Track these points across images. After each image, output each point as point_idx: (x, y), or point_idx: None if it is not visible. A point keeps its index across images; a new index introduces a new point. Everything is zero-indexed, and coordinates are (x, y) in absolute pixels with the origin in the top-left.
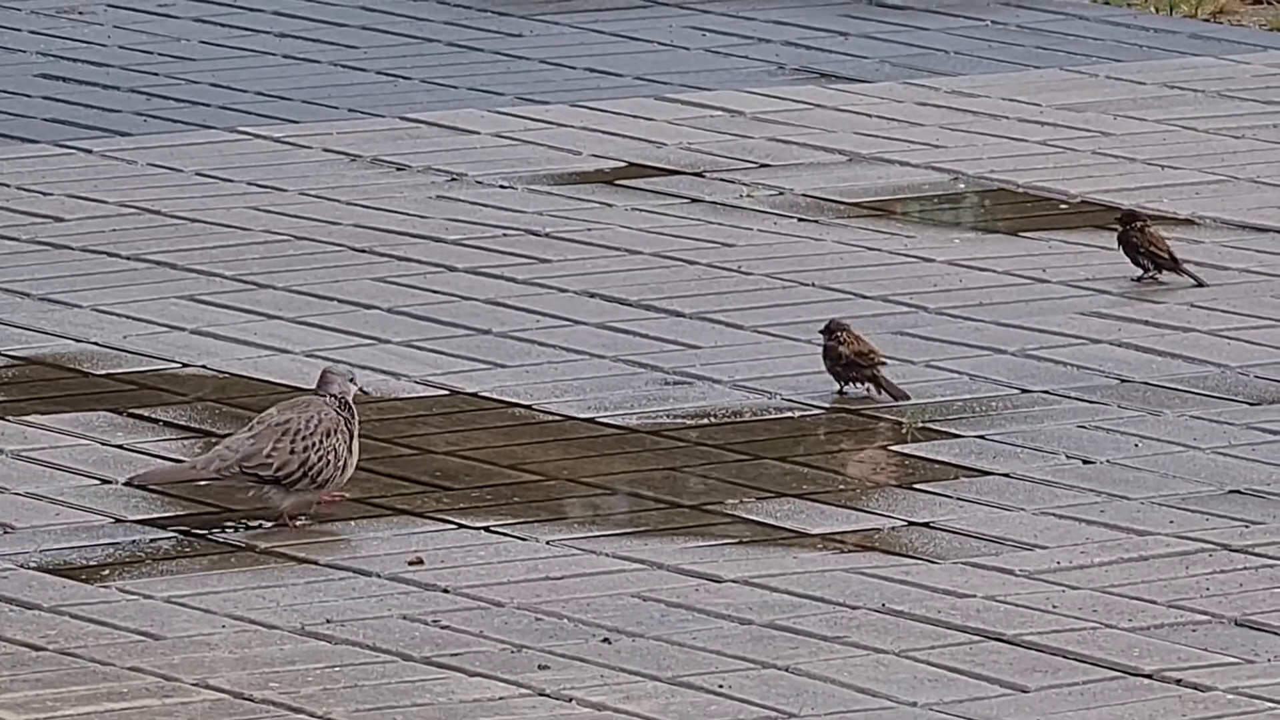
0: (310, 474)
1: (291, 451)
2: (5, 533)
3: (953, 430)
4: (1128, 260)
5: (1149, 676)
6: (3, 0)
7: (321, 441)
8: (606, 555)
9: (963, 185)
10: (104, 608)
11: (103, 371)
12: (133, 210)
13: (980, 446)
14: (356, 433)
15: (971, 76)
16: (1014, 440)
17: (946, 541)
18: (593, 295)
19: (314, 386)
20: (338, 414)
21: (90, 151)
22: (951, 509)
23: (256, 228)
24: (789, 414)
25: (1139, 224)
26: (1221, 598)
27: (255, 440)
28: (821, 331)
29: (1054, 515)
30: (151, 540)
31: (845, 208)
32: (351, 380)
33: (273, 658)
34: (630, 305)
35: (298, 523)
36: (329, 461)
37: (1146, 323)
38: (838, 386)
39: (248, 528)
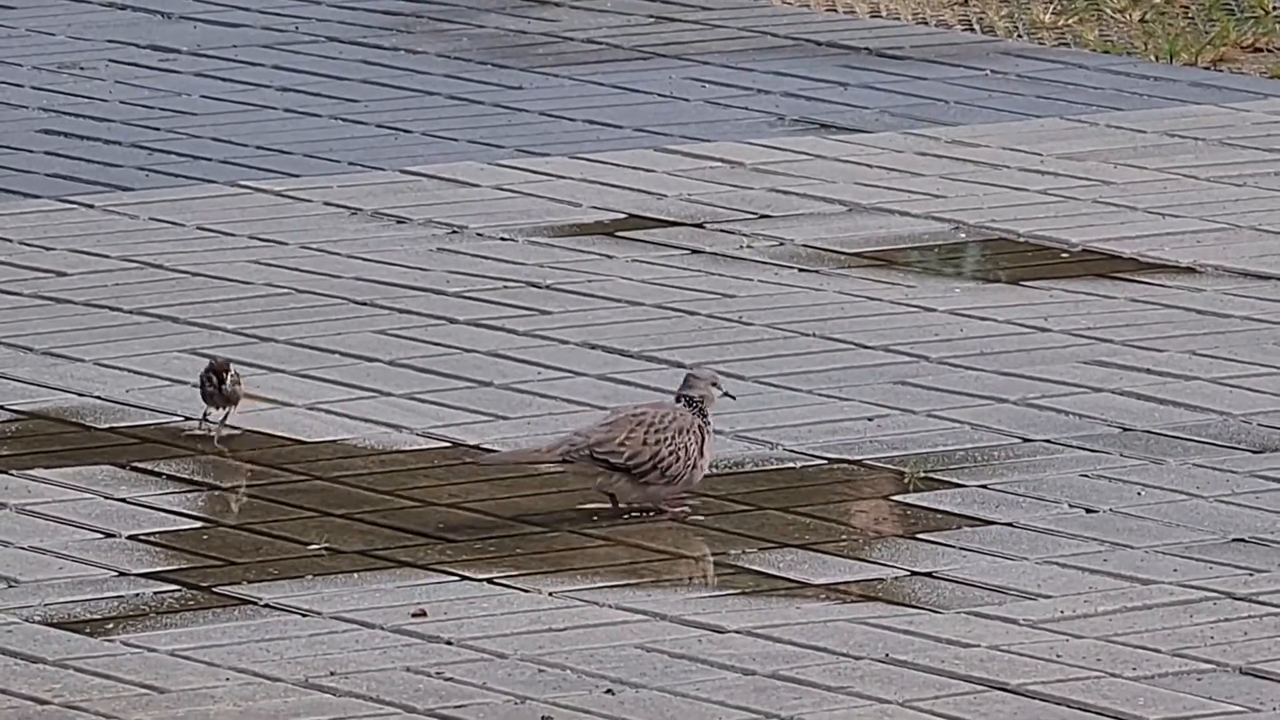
0: (660, 467)
1: (644, 443)
2: (9, 586)
3: (955, 480)
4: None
5: None
6: (4, 56)
7: (675, 437)
8: (609, 606)
9: (964, 235)
10: (108, 661)
11: (105, 425)
12: (135, 265)
13: (983, 496)
14: (710, 439)
15: (972, 126)
16: (1016, 489)
17: (950, 591)
18: (594, 346)
19: (677, 390)
20: (694, 416)
21: (92, 206)
22: (954, 559)
23: (258, 281)
24: (791, 464)
25: None
26: (1226, 646)
27: (610, 429)
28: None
29: (1057, 564)
30: (155, 593)
31: (846, 258)
32: (715, 384)
33: (276, 710)
34: (631, 356)
35: (666, 517)
36: (679, 458)
37: (1148, 371)
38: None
39: (250, 581)
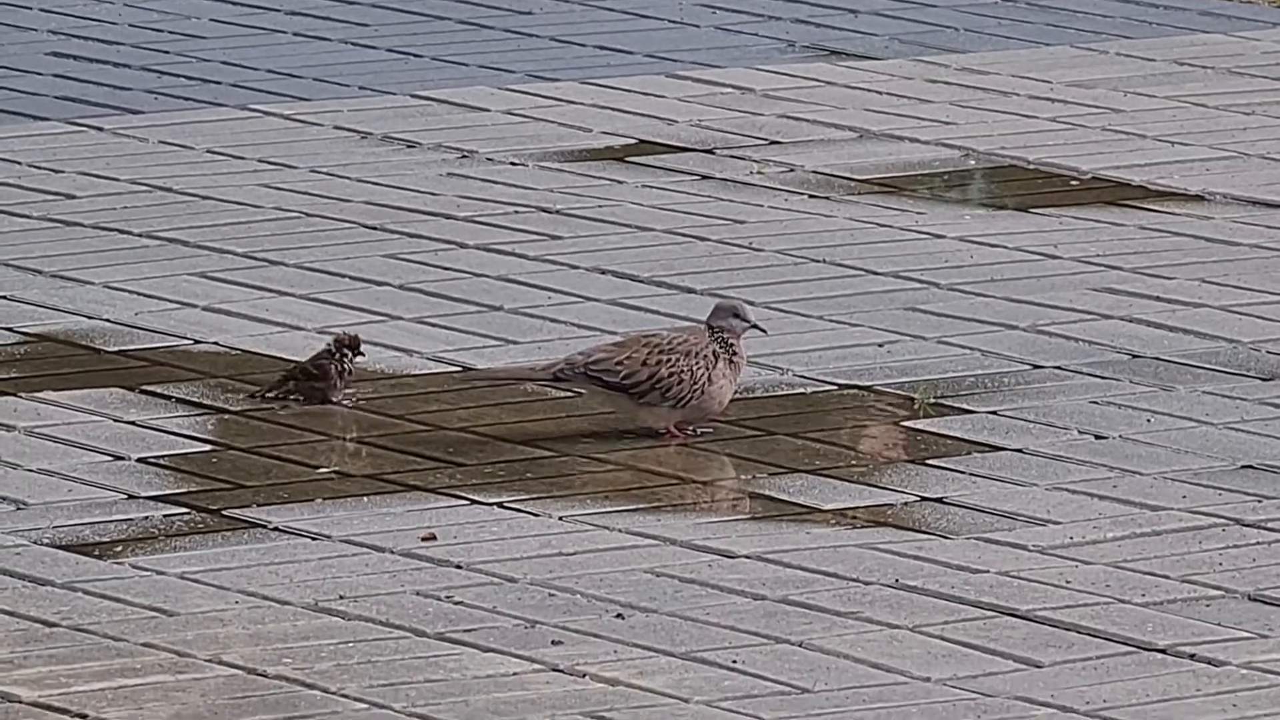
0: (659, 388)
1: (644, 363)
2: (18, 509)
3: (965, 406)
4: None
5: (1163, 651)
6: None
7: (679, 360)
8: (619, 531)
9: (973, 162)
10: (117, 584)
11: (115, 348)
12: (144, 188)
13: (992, 422)
14: (729, 367)
15: (981, 53)
16: (1026, 416)
17: (959, 517)
18: (604, 272)
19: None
20: (711, 341)
21: (101, 129)
22: (964, 485)
23: (267, 205)
24: (801, 390)
25: None
26: (1235, 572)
27: (615, 349)
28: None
29: (1066, 490)
30: (164, 516)
31: (856, 184)
32: (736, 315)
33: (286, 634)
34: (641, 282)
35: (674, 443)
36: (682, 380)
37: (1158, 298)
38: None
39: (259, 505)
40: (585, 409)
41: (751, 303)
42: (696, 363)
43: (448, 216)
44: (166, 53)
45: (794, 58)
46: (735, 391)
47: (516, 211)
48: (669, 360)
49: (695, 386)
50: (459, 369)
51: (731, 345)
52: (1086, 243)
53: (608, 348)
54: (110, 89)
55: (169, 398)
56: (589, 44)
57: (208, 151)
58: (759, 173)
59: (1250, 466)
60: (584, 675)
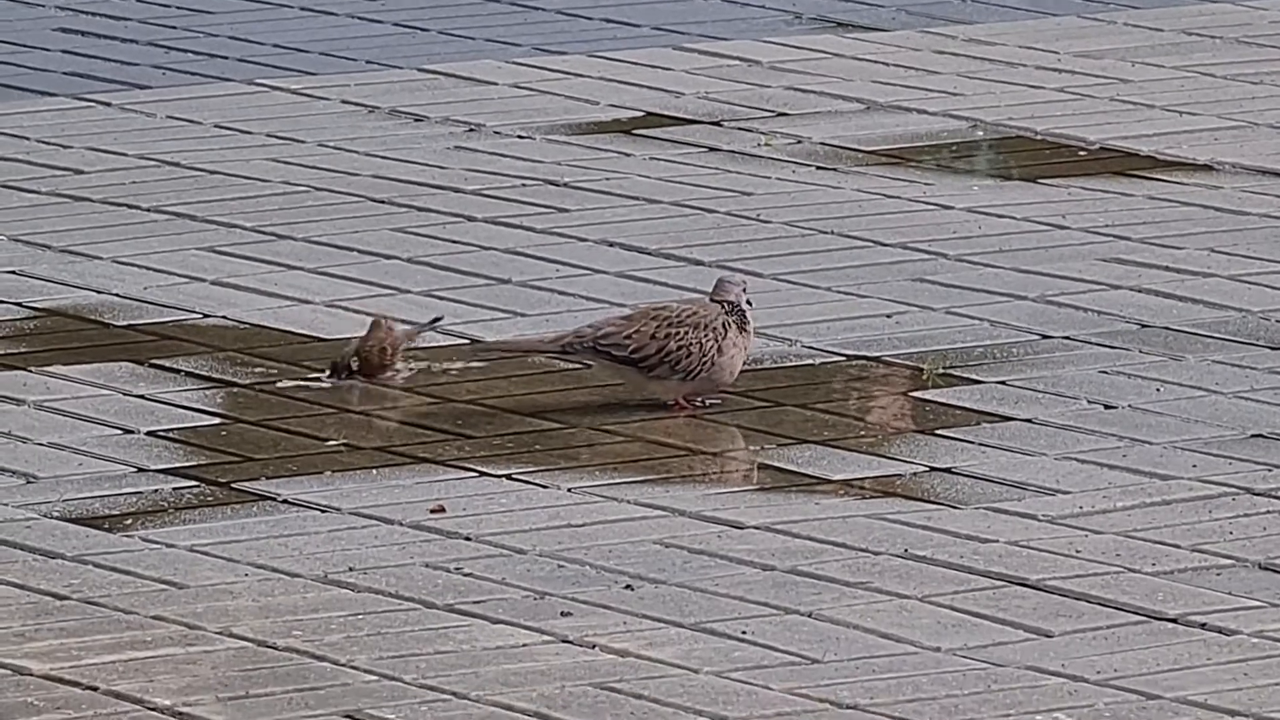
0: (668, 361)
1: (653, 336)
2: (28, 482)
3: (973, 376)
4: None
5: (1173, 621)
6: None
7: (688, 333)
8: (628, 502)
9: (981, 133)
10: (127, 557)
11: (124, 323)
12: (152, 162)
13: (1001, 392)
14: (740, 338)
15: (989, 24)
16: (1035, 386)
17: (968, 487)
18: (612, 244)
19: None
20: (721, 314)
21: (109, 104)
22: (973, 454)
23: (275, 179)
24: (809, 361)
25: None
26: (1245, 541)
27: (624, 323)
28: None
29: (1076, 460)
30: (174, 489)
31: (863, 156)
32: (744, 289)
33: (295, 606)
34: (649, 254)
35: (683, 414)
36: (691, 353)
37: (1167, 268)
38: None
39: (268, 477)
40: (594, 381)
41: (760, 274)
42: (705, 335)
43: (455, 190)
44: (174, 28)
45: (801, 29)
46: (744, 362)
47: (524, 184)
48: (678, 334)
49: (705, 359)
50: (467, 342)
51: (743, 312)
52: (1095, 213)
53: (616, 321)
54: (118, 64)
55: (178, 371)
56: (595, 17)
57: (215, 126)
58: (766, 145)
59: (1260, 435)
60: (593, 646)
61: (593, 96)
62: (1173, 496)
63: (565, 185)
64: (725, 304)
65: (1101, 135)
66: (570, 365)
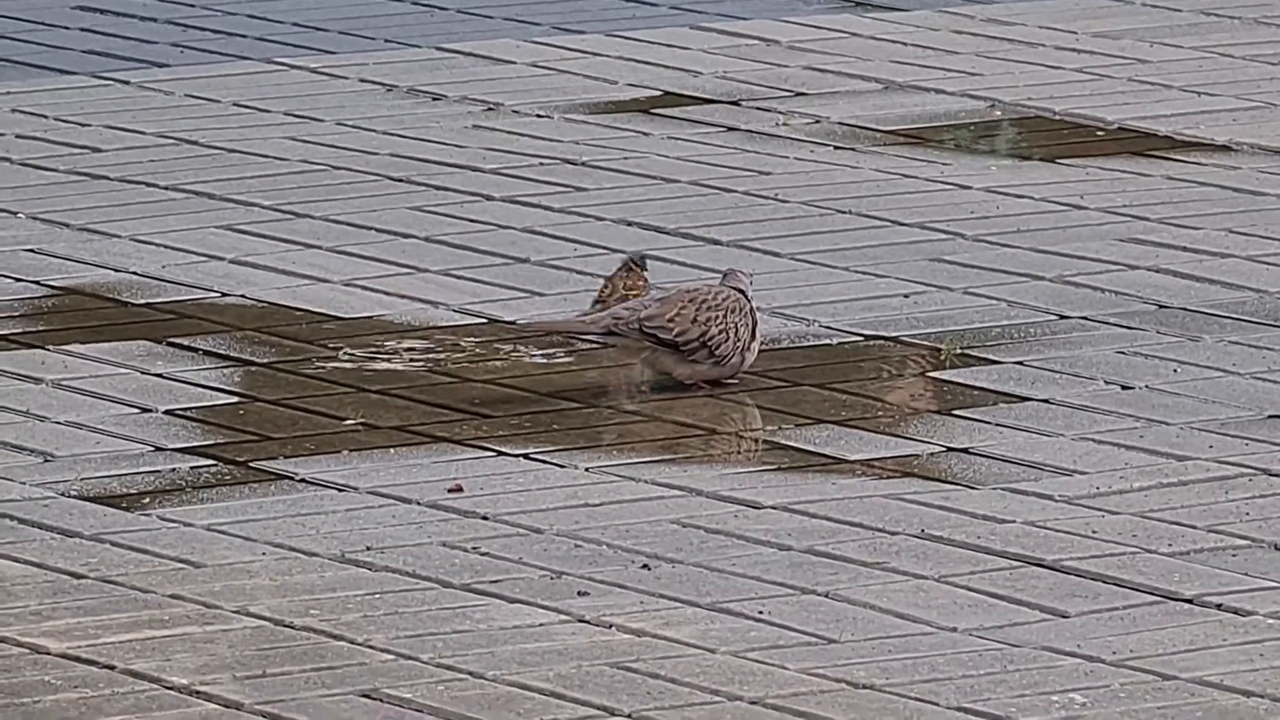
0: (709, 346)
1: (694, 320)
2: (46, 461)
3: (991, 357)
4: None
5: (1189, 601)
6: None
7: (725, 316)
8: (645, 482)
9: (999, 112)
10: (144, 535)
11: (142, 301)
12: (170, 141)
13: (1019, 373)
14: (759, 325)
15: (1007, 4)
16: (1052, 366)
17: (985, 467)
18: (629, 223)
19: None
20: (744, 298)
21: (128, 83)
22: (990, 435)
23: (294, 158)
24: (827, 341)
25: None
26: (1261, 522)
27: (661, 304)
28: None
29: (1093, 440)
30: (192, 468)
31: (881, 135)
32: (751, 282)
33: (313, 585)
34: (667, 233)
35: (701, 392)
36: (729, 338)
37: (1184, 248)
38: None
39: (286, 456)
40: (611, 361)
41: (777, 254)
42: (742, 320)
43: (474, 169)
44: (192, 6)
45: (819, 9)
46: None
47: (542, 163)
48: (717, 318)
49: (739, 344)
50: (485, 320)
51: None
52: (1113, 193)
53: (654, 303)
54: (136, 43)
55: (196, 350)
56: None
57: (234, 105)
58: (785, 124)
59: (1277, 416)
60: (610, 626)
61: (611, 76)
62: (1189, 477)
63: (583, 164)
64: (738, 288)
65: (1120, 115)
66: (587, 345)
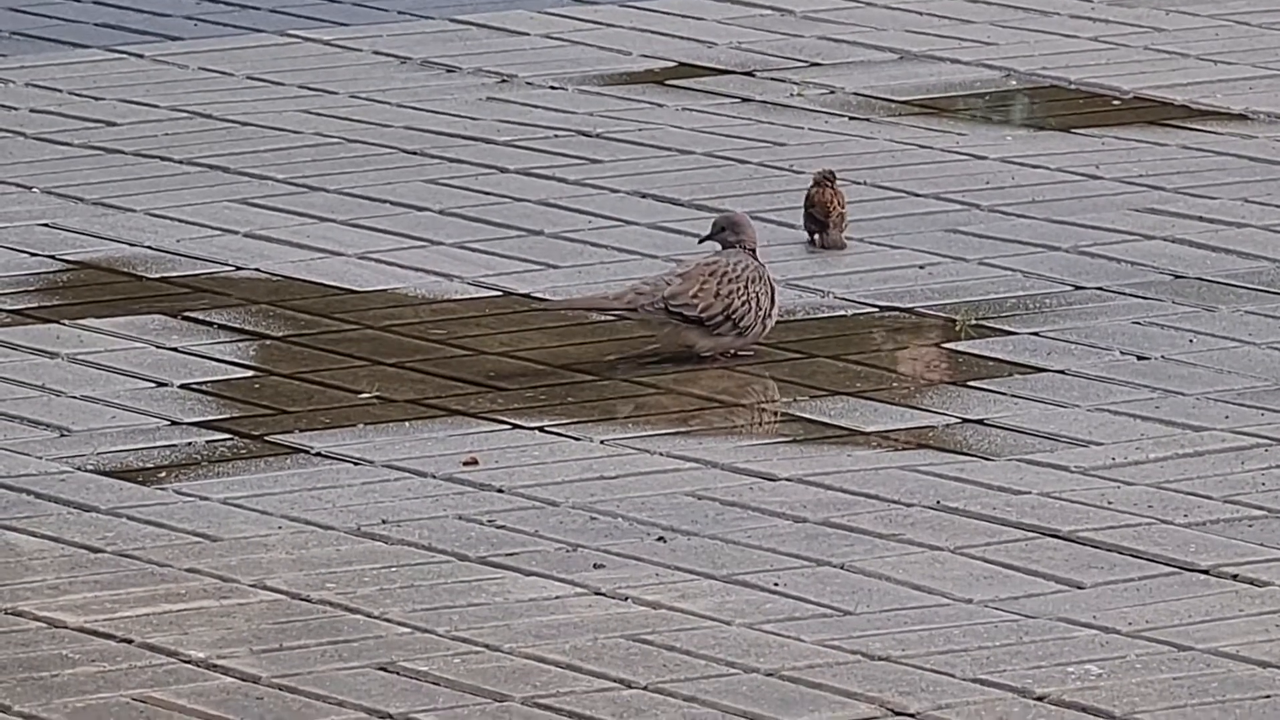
0: (733, 318)
1: (716, 294)
2: (62, 435)
3: (1006, 328)
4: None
5: (1205, 572)
6: None
7: (747, 287)
8: (660, 454)
9: (1014, 82)
10: (161, 509)
11: (156, 275)
12: (184, 114)
13: (1034, 343)
14: (777, 289)
15: None
16: (1068, 337)
17: (1001, 439)
18: (644, 195)
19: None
20: (759, 264)
21: (141, 56)
22: (1005, 406)
23: (308, 131)
24: (842, 312)
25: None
26: (1277, 493)
27: (683, 280)
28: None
29: (1108, 411)
30: (207, 442)
31: (896, 106)
32: (740, 227)
33: (329, 558)
34: (682, 205)
35: (715, 361)
36: (751, 308)
37: (1200, 218)
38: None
39: (301, 430)
40: (625, 333)
41: (793, 225)
42: (762, 289)
43: (487, 141)
44: None
45: None
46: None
47: (556, 135)
48: (739, 290)
49: (760, 313)
50: (500, 293)
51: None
52: (1129, 163)
53: (676, 279)
54: (150, 16)
55: (210, 324)
56: None
57: (247, 78)
58: (799, 95)
59: None
60: (626, 598)
61: (625, 47)
62: (1205, 448)
63: (597, 136)
64: (751, 251)
65: (1135, 85)
66: (602, 318)
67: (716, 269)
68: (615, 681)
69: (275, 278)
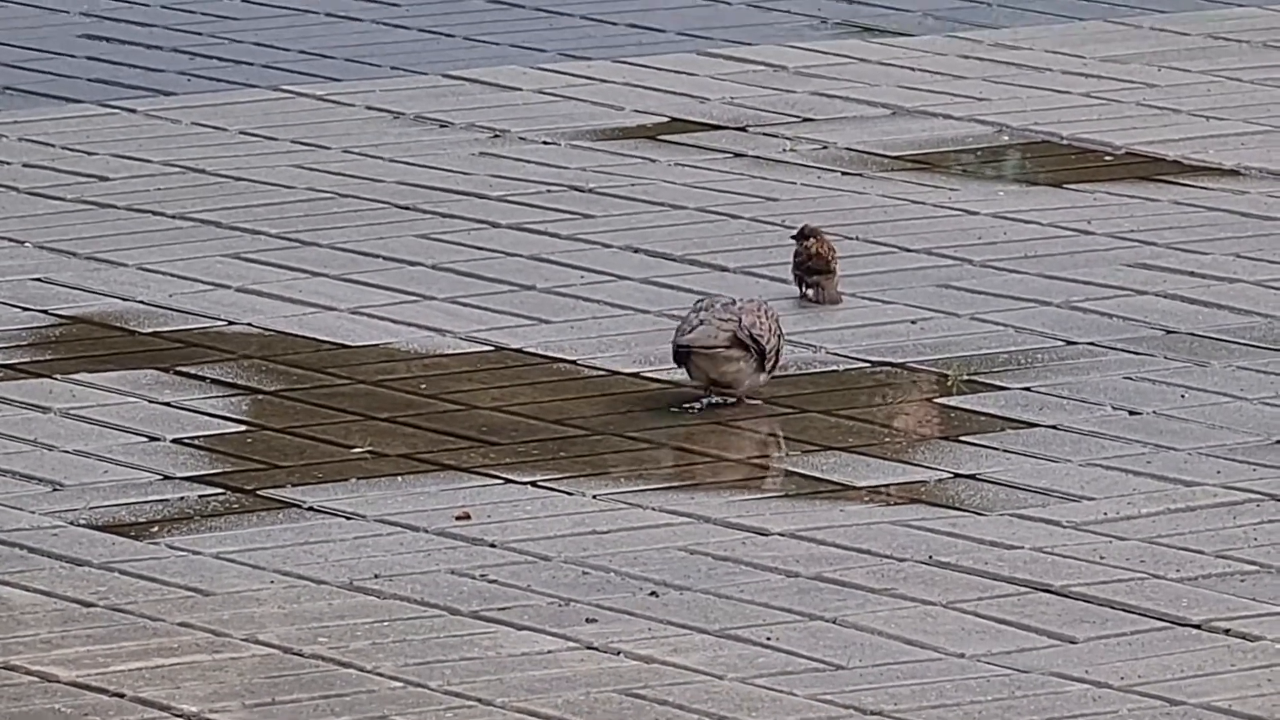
0: (778, 352)
1: (770, 329)
2: (54, 490)
3: (998, 382)
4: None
5: (1197, 627)
6: None
7: (775, 325)
8: (653, 509)
9: (1007, 138)
10: (153, 564)
11: (149, 330)
12: (177, 169)
13: (1026, 398)
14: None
15: (1014, 29)
16: (1060, 392)
17: (993, 493)
18: (636, 250)
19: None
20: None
21: (134, 111)
22: (997, 461)
23: (300, 185)
24: (834, 368)
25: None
26: (1269, 548)
27: (745, 314)
28: (793, 237)
29: (1100, 466)
30: (200, 496)
31: (889, 161)
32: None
33: (321, 613)
34: (674, 260)
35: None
36: (780, 349)
37: (1192, 274)
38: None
39: (294, 484)
40: (619, 388)
41: (785, 280)
42: (780, 329)
43: (480, 196)
44: (199, 34)
45: (826, 34)
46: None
47: (549, 190)
48: (774, 326)
49: (780, 354)
50: (492, 348)
51: None
52: (1120, 218)
53: (738, 312)
54: (143, 71)
55: (203, 378)
56: (620, 22)
57: (240, 133)
58: (792, 150)
59: None
60: (618, 653)
61: (617, 102)
62: (1197, 503)
63: (590, 191)
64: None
65: (1127, 140)
66: (594, 373)
67: (751, 306)
68: None
69: (268, 332)
